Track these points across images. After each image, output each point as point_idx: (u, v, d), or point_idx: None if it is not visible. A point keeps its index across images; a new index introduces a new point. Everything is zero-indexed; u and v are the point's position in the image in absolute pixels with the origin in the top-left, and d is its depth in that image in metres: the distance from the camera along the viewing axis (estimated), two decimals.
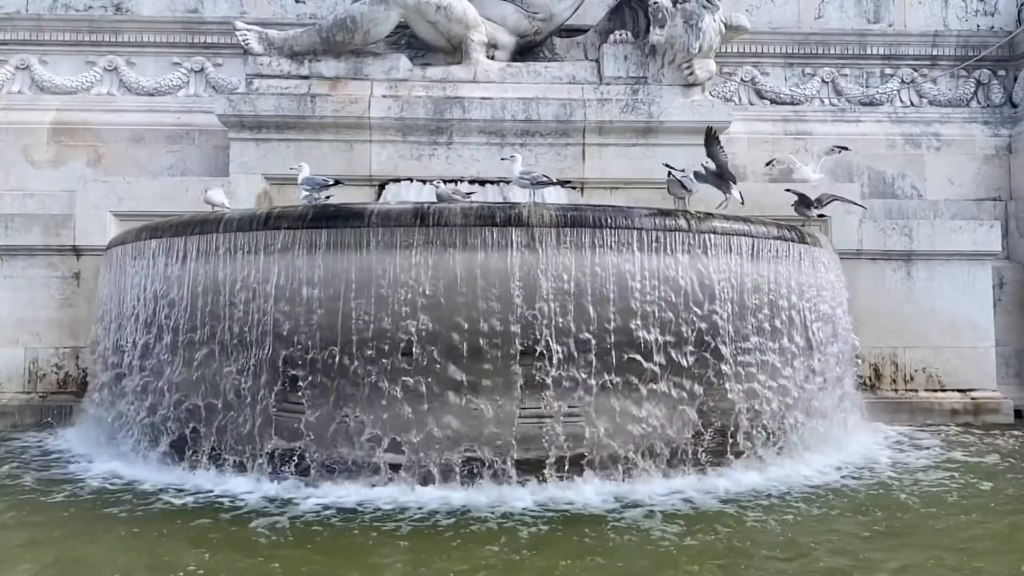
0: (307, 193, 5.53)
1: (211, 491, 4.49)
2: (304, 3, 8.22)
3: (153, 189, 6.95)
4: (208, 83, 8.14)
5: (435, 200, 4.98)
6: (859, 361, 6.28)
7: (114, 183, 7.03)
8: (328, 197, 5.51)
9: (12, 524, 4.09)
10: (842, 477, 4.91)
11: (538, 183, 5.20)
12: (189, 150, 7.94)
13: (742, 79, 8.43)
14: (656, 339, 4.62)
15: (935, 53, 8.52)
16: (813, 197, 6.33)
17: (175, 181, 7.21)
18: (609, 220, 4.61)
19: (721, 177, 5.54)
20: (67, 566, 3.55)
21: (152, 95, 8.10)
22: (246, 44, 7.26)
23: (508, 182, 6.61)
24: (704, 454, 4.83)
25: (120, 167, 7.80)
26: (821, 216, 6.41)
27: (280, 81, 7.24)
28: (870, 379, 7.02)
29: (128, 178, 7.26)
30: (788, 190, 6.37)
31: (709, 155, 5.47)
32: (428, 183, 6.80)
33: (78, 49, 8.11)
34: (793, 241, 5.25)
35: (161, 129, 7.96)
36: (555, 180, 5.33)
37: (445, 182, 6.48)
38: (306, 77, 7.27)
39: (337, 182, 5.70)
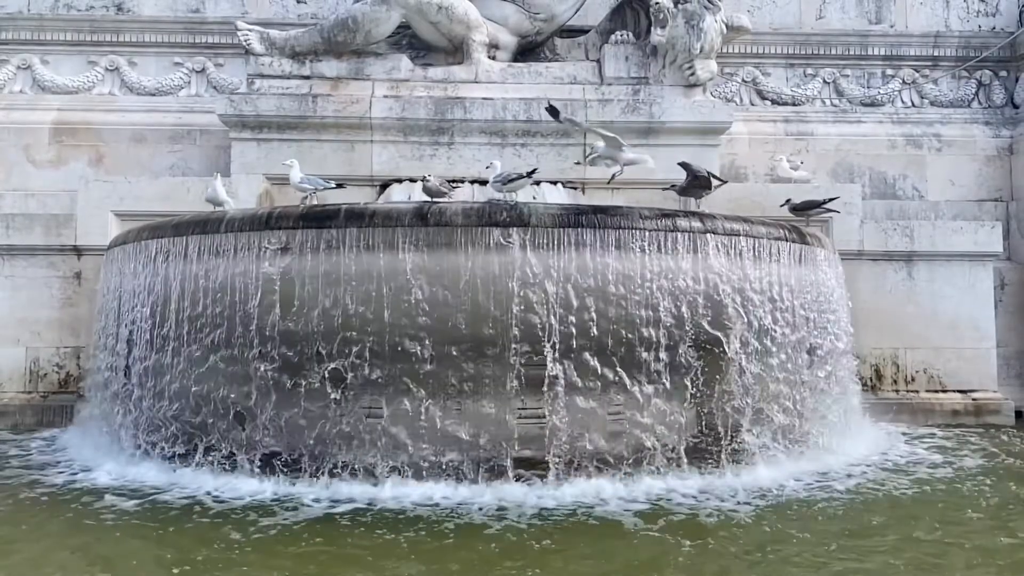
0: (304, 194, 5.49)
1: (212, 490, 4.49)
2: (305, 3, 8.22)
3: (154, 189, 6.94)
4: (209, 83, 8.15)
5: (426, 197, 4.95)
6: (860, 362, 6.26)
7: (115, 183, 7.02)
8: (313, 196, 5.47)
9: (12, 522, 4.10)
10: (840, 478, 4.89)
11: (509, 181, 5.10)
12: (190, 150, 7.95)
13: (743, 79, 8.43)
14: (657, 339, 4.62)
15: (936, 54, 8.52)
16: (797, 199, 6.35)
17: (176, 181, 7.20)
18: (609, 220, 4.62)
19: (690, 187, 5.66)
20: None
21: (153, 95, 8.11)
22: (247, 44, 7.27)
23: None
24: (705, 454, 4.83)
25: (121, 167, 7.81)
26: (826, 210, 6.38)
27: (281, 81, 7.25)
28: (871, 380, 7.01)
29: (129, 178, 7.26)
30: (789, 203, 6.36)
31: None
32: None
33: (79, 49, 8.12)
34: (794, 242, 5.25)
35: (162, 129, 7.97)
36: (525, 173, 5.18)
37: (448, 182, 6.46)
38: (307, 77, 7.28)
39: (340, 185, 5.69)
